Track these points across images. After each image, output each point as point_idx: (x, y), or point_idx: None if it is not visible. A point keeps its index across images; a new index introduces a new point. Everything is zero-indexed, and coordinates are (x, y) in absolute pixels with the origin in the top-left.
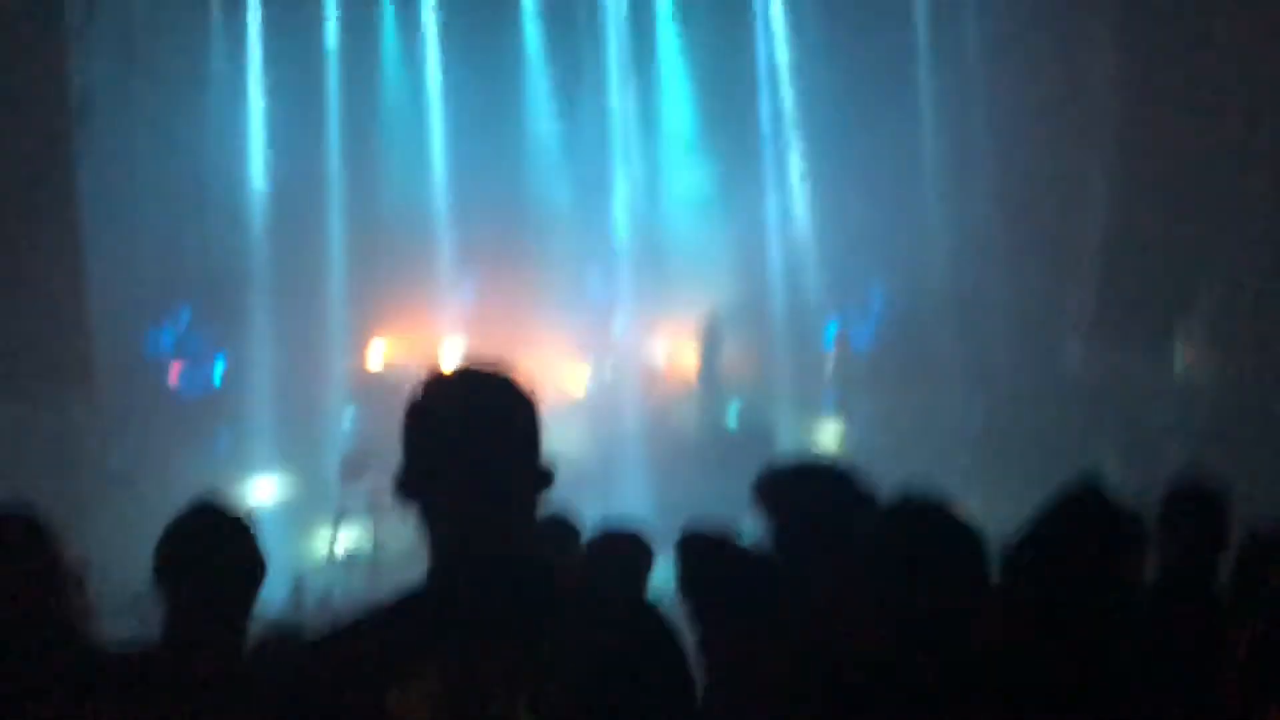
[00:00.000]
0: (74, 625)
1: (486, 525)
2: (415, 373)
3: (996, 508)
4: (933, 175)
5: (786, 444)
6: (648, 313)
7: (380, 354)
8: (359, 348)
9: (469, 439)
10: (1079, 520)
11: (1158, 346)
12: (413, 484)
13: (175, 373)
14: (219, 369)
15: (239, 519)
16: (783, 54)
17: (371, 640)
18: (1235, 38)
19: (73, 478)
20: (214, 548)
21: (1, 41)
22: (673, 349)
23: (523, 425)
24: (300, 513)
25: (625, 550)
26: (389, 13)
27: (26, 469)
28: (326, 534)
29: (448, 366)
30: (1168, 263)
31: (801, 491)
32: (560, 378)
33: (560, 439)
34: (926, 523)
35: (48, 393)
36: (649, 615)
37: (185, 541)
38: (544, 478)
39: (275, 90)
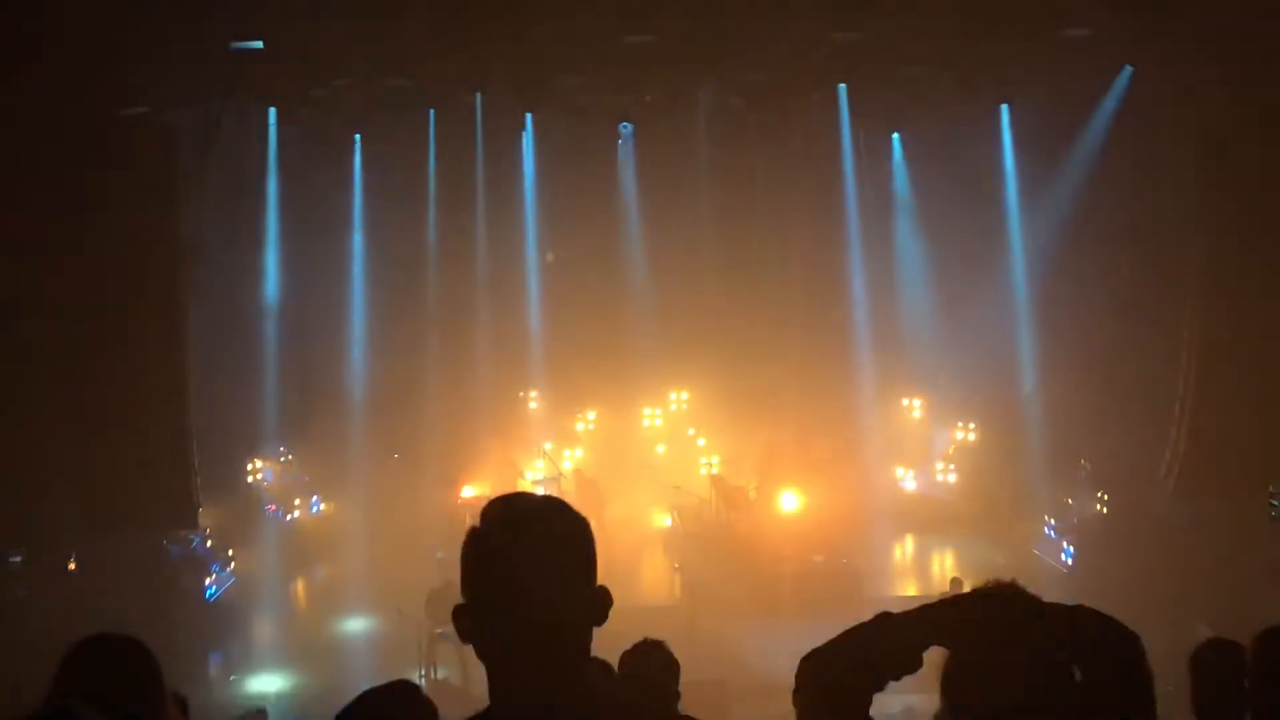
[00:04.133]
0: None
1: (537, 660)
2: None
3: None
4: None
5: None
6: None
7: (471, 493)
8: (451, 488)
9: (521, 570)
10: None
11: (1248, 495)
12: (466, 618)
13: (272, 508)
14: (314, 505)
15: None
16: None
17: None
18: None
19: (172, 610)
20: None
21: (118, 186)
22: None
23: (575, 554)
24: (394, 645)
25: (657, 663)
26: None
27: (132, 600)
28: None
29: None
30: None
31: None
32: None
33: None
34: None
35: (155, 531)
36: None
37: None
38: (599, 606)
39: (376, 239)
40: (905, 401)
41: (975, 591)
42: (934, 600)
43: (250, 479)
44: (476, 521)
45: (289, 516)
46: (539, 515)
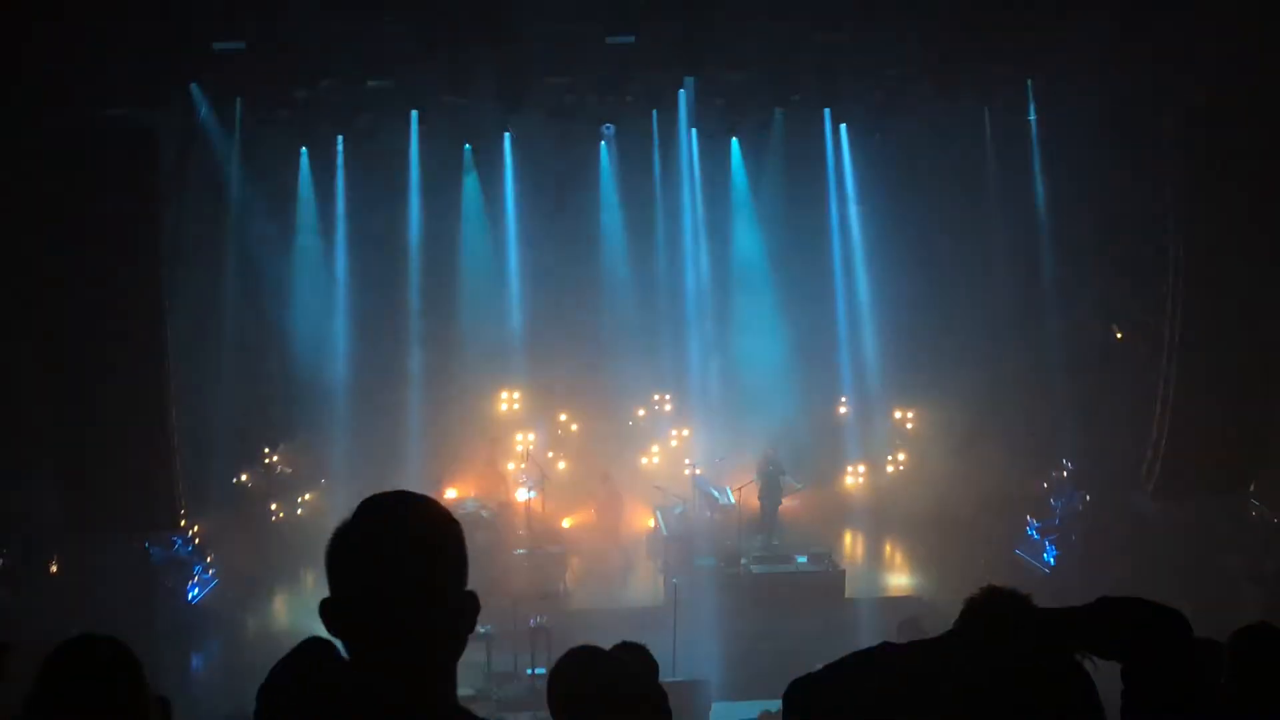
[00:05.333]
0: None
1: (397, 665)
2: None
3: None
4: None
5: None
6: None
7: (453, 495)
8: (433, 490)
9: (379, 569)
10: None
11: (1228, 496)
12: (328, 615)
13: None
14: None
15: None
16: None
17: None
18: None
19: (155, 611)
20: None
21: (98, 187)
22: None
23: (441, 557)
24: None
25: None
26: (471, 180)
27: (114, 602)
28: None
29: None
30: (1233, 417)
31: None
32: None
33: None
34: None
35: (137, 533)
36: None
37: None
38: (466, 612)
39: (358, 237)
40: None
41: (981, 629)
42: (938, 636)
43: (242, 478)
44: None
45: (277, 517)
46: (404, 515)
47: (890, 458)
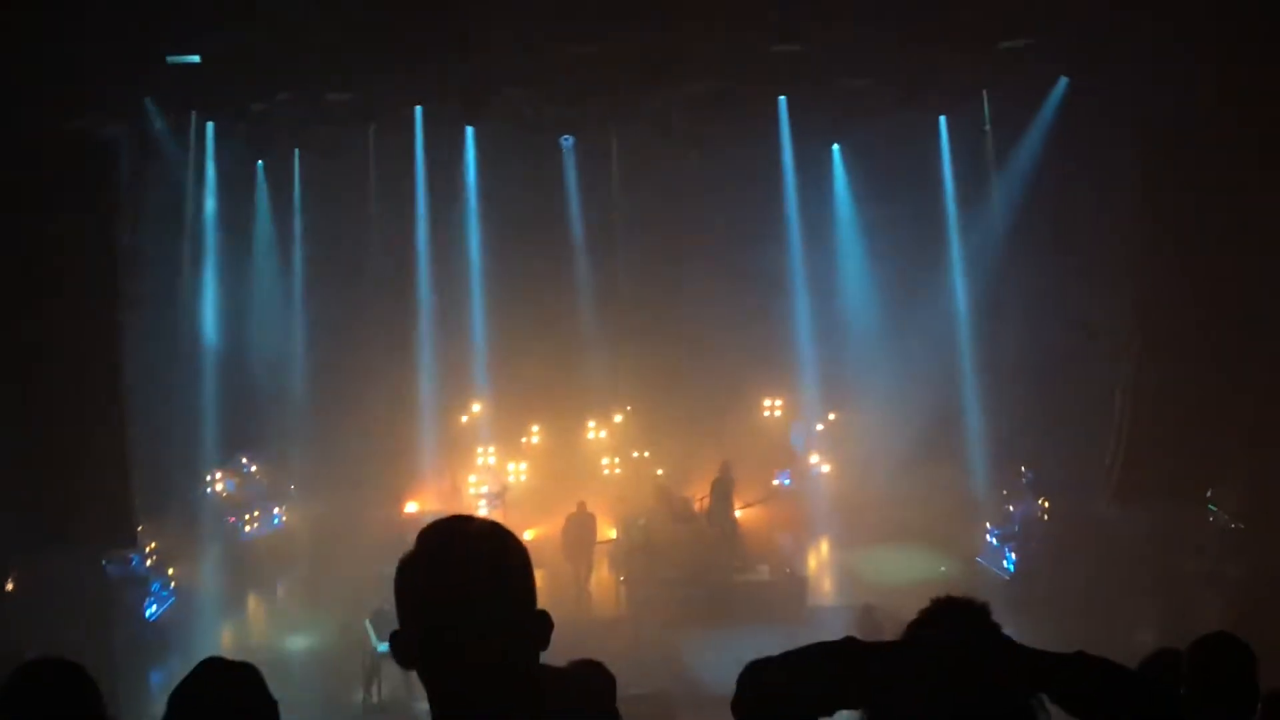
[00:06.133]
0: None
1: (482, 690)
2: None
3: None
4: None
5: None
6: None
7: (414, 509)
8: (394, 504)
9: (454, 596)
10: None
11: (1188, 501)
12: (404, 646)
13: (232, 519)
14: (275, 518)
15: (247, 672)
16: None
17: None
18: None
19: (112, 630)
20: (221, 701)
21: (55, 199)
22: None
23: (516, 581)
24: (341, 663)
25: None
26: (420, 187)
27: (71, 620)
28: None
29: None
30: (1193, 423)
31: None
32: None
33: None
34: None
35: (94, 550)
36: None
37: (192, 697)
38: (542, 631)
39: (317, 254)
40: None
41: (942, 630)
42: (899, 638)
43: (210, 489)
44: (412, 545)
45: (247, 529)
46: (478, 542)
47: (827, 460)
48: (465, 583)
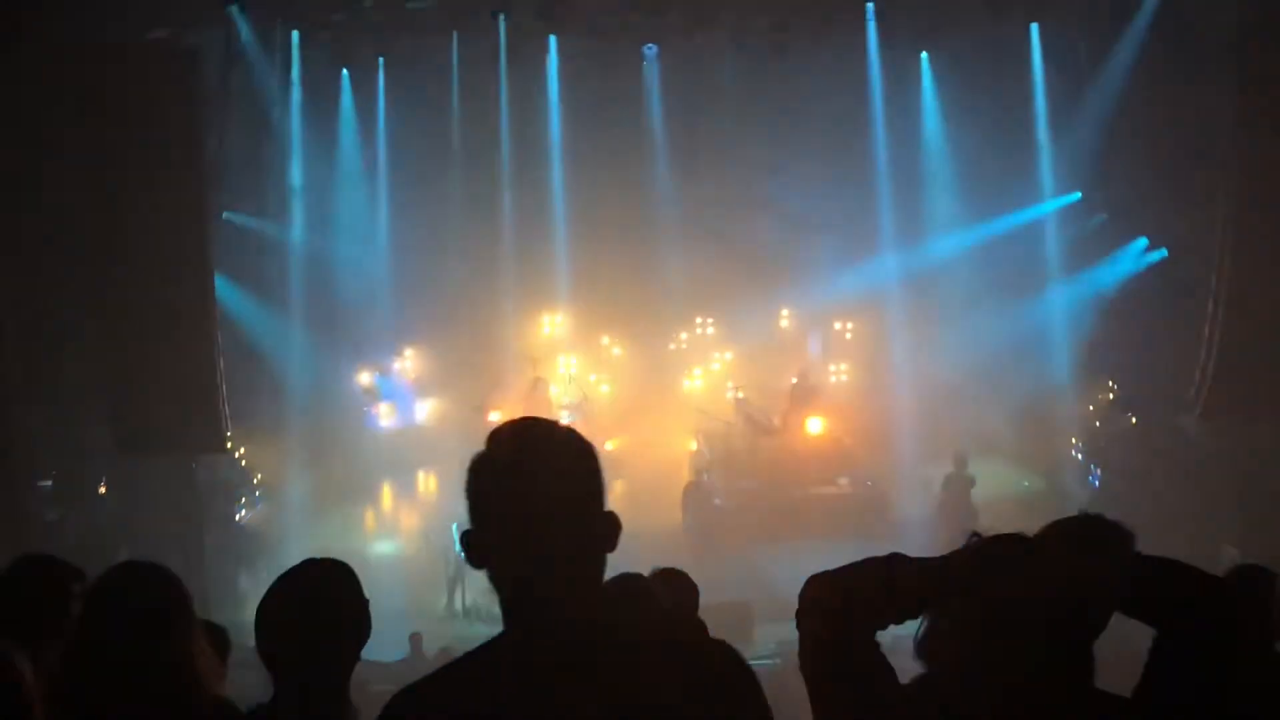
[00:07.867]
0: (201, 677)
1: (552, 587)
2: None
3: None
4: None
5: None
6: None
7: (497, 417)
8: (477, 413)
9: (527, 495)
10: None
11: (1277, 418)
12: (476, 544)
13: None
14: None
15: (341, 570)
16: None
17: (455, 690)
18: None
19: (201, 533)
20: (313, 603)
21: (139, 109)
22: None
23: (586, 481)
24: (423, 568)
25: (678, 590)
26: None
27: (161, 523)
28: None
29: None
30: None
31: None
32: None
33: None
34: None
35: (184, 454)
36: (730, 658)
37: (289, 593)
38: (611, 532)
39: (400, 157)
40: None
41: (984, 550)
42: (950, 554)
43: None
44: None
45: (384, 424)
46: (549, 441)
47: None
48: (533, 483)
